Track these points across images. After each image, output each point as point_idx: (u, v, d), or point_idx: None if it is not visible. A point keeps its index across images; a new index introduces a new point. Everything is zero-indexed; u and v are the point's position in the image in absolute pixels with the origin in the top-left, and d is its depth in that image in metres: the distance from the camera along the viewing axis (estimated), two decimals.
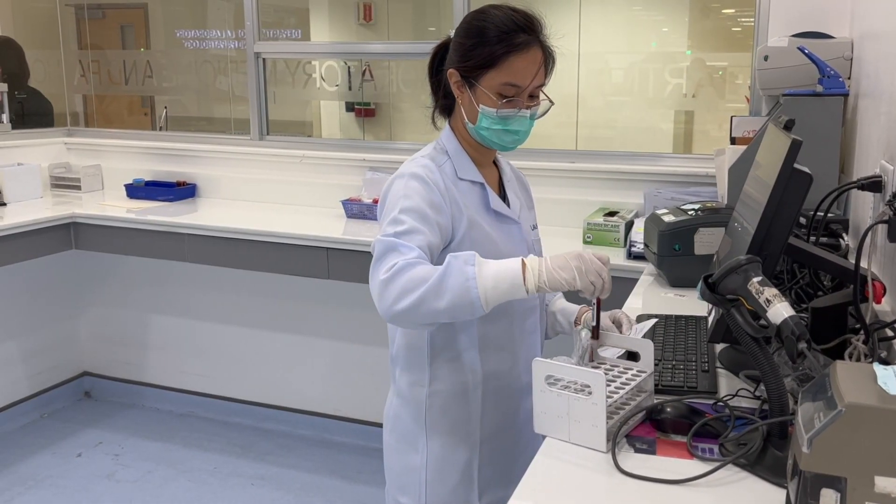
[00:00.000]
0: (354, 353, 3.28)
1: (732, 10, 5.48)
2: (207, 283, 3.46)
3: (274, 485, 2.99)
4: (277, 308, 3.38)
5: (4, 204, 3.20)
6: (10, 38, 4.22)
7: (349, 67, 6.15)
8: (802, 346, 0.97)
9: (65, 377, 3.71)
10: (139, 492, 2.93)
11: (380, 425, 1.67)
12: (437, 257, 1.41)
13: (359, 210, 3.05)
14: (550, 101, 1.49)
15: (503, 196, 1.58)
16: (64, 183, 3.58)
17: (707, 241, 1.87)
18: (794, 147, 1.12)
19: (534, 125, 1.49)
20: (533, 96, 1.45)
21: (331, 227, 2.92)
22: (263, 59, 3.44)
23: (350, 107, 6.43)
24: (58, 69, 4.29)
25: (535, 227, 1.63)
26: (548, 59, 1.47)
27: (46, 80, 4.31)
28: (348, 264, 2.72)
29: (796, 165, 1.14)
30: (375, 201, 3.03)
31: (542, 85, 1.47)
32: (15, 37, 4.90)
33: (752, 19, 2.68)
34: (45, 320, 3.60)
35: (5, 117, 3.53)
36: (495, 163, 1.60)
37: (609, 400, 1.12)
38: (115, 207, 3.22)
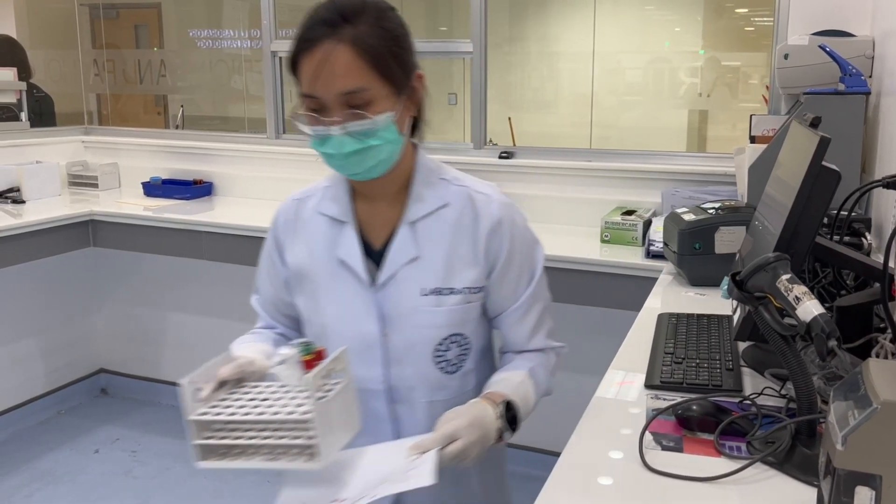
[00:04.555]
0: None
1: (746, 10, 5.46)
2: (224, 280, 3.47)
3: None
4: None
5: (23, 202, 3.22)
6: (12, 37, 4.24)
7: None
8: (833, 343, 0.97)
9: (82, 374, 3.73)
10: (158, 488, 2.95)
11: None
12: (287, 305, 1.34)
13: None
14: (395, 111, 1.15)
15: (386, 243, 1.24)
16: (81, 181, 3.60)
17: (728, 240, 1.86)
18: (823, 144, 1.11)
19: (375, 144, 1.14)
20: (357, 106, 1.11)
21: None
22: (280, 58, 3.45)
23: None
24: (73, 69, 4.31)
25: (453, 292, 1.24)
26: (376, 57, 1.12)
27: (62, 80, 4.34)
28: None
29: (824, 163, 1.14)
30: None
31: (359, 91, 1.11)
32: (29, 37, 4.93)
33: (765, 19, 2.68)
34: (63, 317, 3.62)
35: (24, 116, 3.55)
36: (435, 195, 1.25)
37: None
38: (133, 205, 3.24)
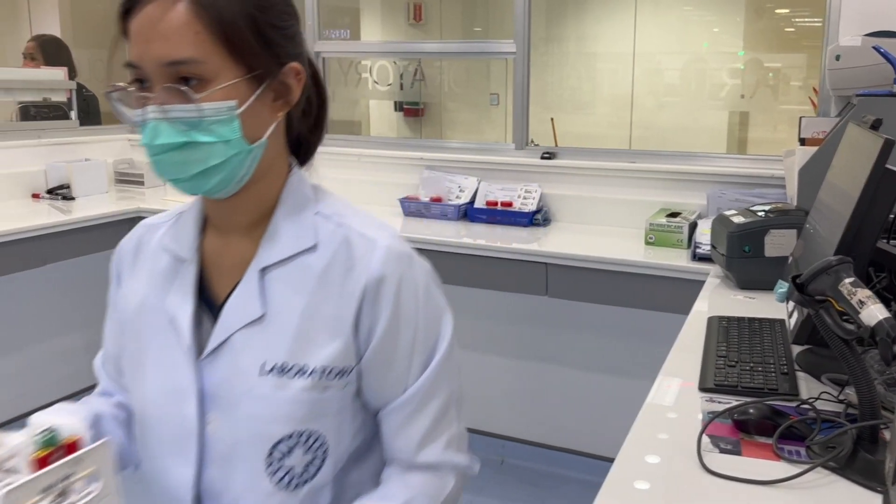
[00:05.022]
0: None
1: (787, 11, 5.39)
2: None
3: None
4: None
5: (73, 198, 3.29)
6: (59, 38, 4.33)
7: (401, 67, 6.21)
8: None
9: None
10: None
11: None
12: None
13: (416, 208, 3.07)
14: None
15: (231, 291, 0.94)
16: (127, 178, 3.67)
17: (778, 243, 1.85)
18: (887, 147, 1.10)
19: (203, 141, 0.85)
20: (185, 82, 0.84)
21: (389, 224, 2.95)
22: (323, 59, 3.48)
23: (399, 106, 6.49)
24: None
25: (303, 372, 0.90)
26: (224, 23, 0.84)
27: (103, 80, 4.43)
28: None
29: (888, 166, 1.12)
30: (433, 199, 3.06)
31: (190, 62, 0.83)
32: (73, 37, 5.03)
33: (807, 19, 2.64)
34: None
35: (73, 114, 3.63)
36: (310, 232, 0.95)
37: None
38: (177, 202, 3.29)
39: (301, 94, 0.94)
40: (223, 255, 0.96)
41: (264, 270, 0.93)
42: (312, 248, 0.94)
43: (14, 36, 5.24)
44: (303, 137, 1.02)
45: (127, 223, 3.15)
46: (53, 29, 5.27)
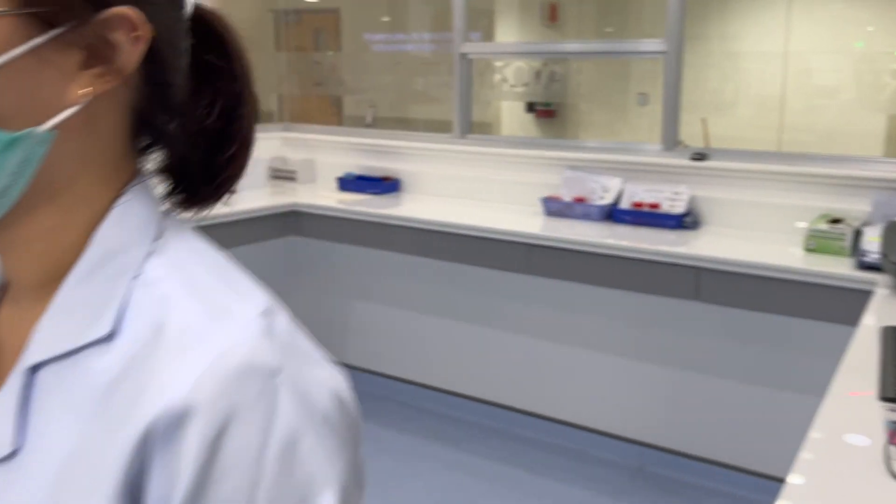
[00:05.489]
0: (544, 350, 3.32)
1: None
2: (408, 272, 3.63)
3: (466, 471, 3.09)
4: (472, 300, 3.49)
5: (234, 192, 3.51)
6: None
7: (534, 68, 6.22)
8: None
9: None
10: (408, 477, 3.11)
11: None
12: None
13: (558, 208, 3.08)
14: None
15: None
16: (282, 175, 3.88)
17: None
18: None
19: None
20: None
21: (530, 223, 2.98)
22: (469, 60, 3.56)
23: (530, 107, 6.50)
24: (265, 71, 4.66)
25: None
26: None
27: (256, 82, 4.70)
28: (548, 260, 2.77)
29: None
30: (575, 199, 3.06)
31: None
32: None
33: None
34: None
35: None
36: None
37: None
38: (328, 198, 3.46)
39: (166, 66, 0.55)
40: (12, 329, 0.58)
41: (35, 370, 0.53)
42: (106, 340, 0.52)
43: None
44: (198, 160, 0.61)
45: (282, 217, 3.34)
46: None
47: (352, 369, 3.88)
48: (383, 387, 3.78)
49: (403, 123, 5.39)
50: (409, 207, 3.34)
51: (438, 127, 3.83)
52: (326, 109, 6.12)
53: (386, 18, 6.37)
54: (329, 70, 5.23)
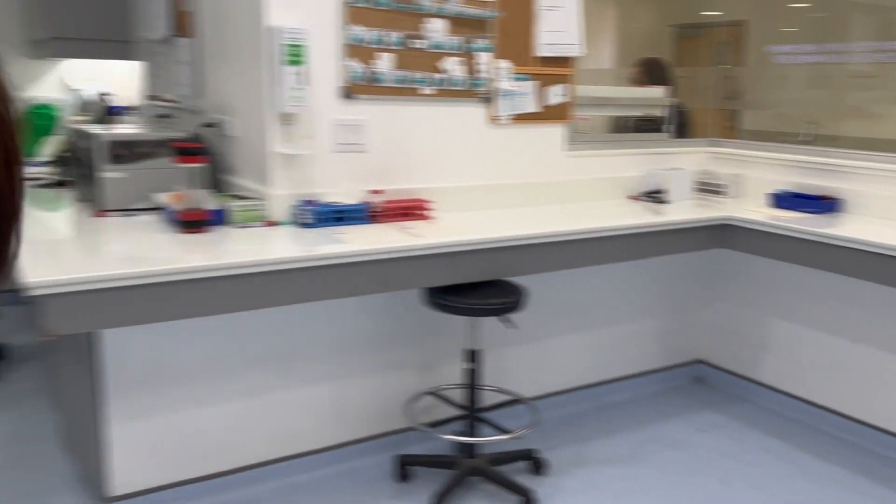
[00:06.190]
0: None
1: None
2: (847, 296, 3.49)
3: None
4: None
5: (666, 202, 3.72)
6: (660, 59, 4.83)
7: None
8: None
9: (681, 360, 4.16)
10: (765, 477, 3.15)
11: None
12: None
13: None
14: None
15: None
16: (708, 188, 3.98)
17: None
18: None
19: None
20: None
21: None
22: None
23: None
24: (695, 85, 4.77)
25: None
26: None
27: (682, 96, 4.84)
28: None
29: None
30: None
31: None
32: (620, 56, 5.56)
33: None
34: (673, 307, 4.08)
35: (668, 127, 4.08)
36: None
37: None
38: (760, 213, 3.47)
39: None
40: None
41: None
42: None
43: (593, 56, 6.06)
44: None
45: (714, 229, 3.45)
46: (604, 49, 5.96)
47: (764, 387, 3.84)
48: (795, 409, 3.69)
49: (832, 141, 5.12)
50: (853, 228, 3.21)
51: (876, 146, 3.60)
52: (720, 124, 6.07)
53: (794, 29, 6.09)
54: (733, 83, 5.18)
